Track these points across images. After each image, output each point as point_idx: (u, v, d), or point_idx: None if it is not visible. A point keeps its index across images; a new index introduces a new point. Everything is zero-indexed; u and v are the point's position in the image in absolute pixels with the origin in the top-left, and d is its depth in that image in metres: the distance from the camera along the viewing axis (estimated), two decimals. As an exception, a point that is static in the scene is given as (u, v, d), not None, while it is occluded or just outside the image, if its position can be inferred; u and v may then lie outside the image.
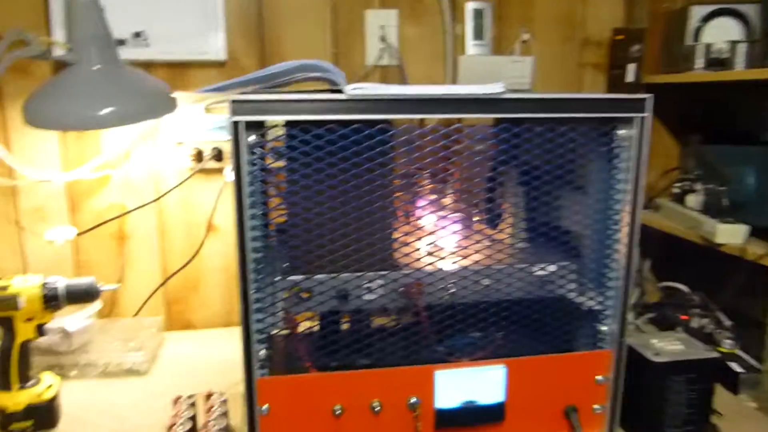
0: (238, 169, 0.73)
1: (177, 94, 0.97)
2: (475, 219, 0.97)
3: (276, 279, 0.81)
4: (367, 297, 0.85)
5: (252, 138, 0.73)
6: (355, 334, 0.87)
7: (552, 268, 0.91)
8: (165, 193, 1.27)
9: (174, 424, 0.87)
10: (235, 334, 1.31)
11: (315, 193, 0.80)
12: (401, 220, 0.91)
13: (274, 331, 0.81)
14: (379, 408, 0.83)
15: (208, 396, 0.96)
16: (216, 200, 1.29)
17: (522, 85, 1.31)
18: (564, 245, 0.94)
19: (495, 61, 1.31)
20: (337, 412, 0.82)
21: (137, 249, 1.30)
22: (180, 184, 1.27)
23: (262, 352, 0.80)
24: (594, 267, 0.91)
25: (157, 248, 1.31)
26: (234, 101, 0.71)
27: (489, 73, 1.31)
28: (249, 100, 0.71)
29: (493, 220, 1.00)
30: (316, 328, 0.87)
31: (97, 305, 1.19)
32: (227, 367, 1.16)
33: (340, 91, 0.73)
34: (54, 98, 0.96)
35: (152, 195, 1.28)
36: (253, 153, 0.74)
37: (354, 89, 0.72)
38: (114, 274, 1.29)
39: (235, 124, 0.72)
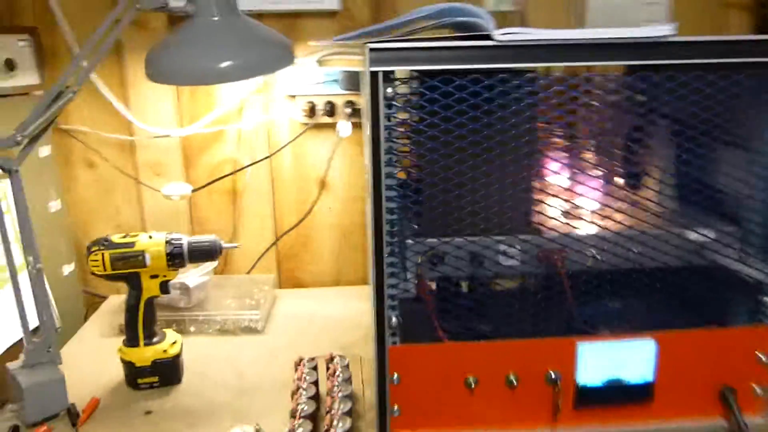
0: (376, 123, 0.67)
1: (317, 43, 0.89)
2: (618, 178, 0.88)
3: (409, 242, 0.77)
4: (504, 262, 0.79)
5: (390, 90, 0.68)
6: (490, 302, 0.82)
7: (709, 234, 0.81)
8: (278, 150, 1.25)
9: (298, 389, 0.86)
10: (345, 293, 1.31)
11: (454, 150, 0.74)
12: (541, 181, 0.84)
13: (407, 297, 0.77)
14: (515, 381, 0.78)
15: (330, 359, 0.93)
16: (330, 156, 1.25)
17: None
18: (723, 208, 0.84)
19: (626, 2, 1.18)
20: (471, 384, 0.77)
21: (250, 205, 1.29)
22: (293, 140, 1.24)
23: (394, 320, 0.76)
24: (759, 233, 0.80)
25: (269, 204, 1.29)
26: (372, 50, 0.65)
27: (619, 17, 1.18)
28: (389, 48, 0.65)
29: (638, 179, 0.90)
30: (450, 295, 0.82)
31: (214, 262, 1.19)
32: (341, 328, 1.14)
33: (486, 37, 0.66)
34: (173, 52, 0.93)
35: (265, 150, 1.26)
36: (390, 106, 0.69)
37: (504, 34, 0.65)
38: (228, 230, 1.30)
39: (374, 74, 0.66)
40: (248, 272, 1.30)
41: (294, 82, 1.21)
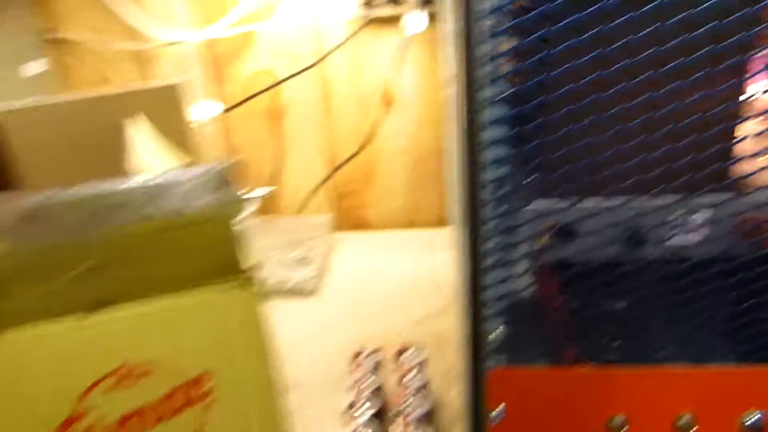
0: (467, 17, 0.36)
1: None
2: None
3: (524, 208, 0.47)
4: (679, 240, 0.48)
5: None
6: (652, 306, 0.52)
7: None
8: (325, 55, 0.94)
9: (354, 404, 0.61)
10: (421, 239, 1.03)
11: (608, 55, 0.42)
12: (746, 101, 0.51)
13: (517, 299, 0.48)
14: (690, 425, 0.49)
15: (400, 353, 0.68)
16: (395, 62, 0.94)
17: None
18: None
19: None
20: (617, 426, 0.49)
21: (295, 129, 1.01)
22: (345, 41, 0.92)
23: (498, 332, 0.47)
24: None
25: (320, 127, 1.01)
26: None
27: None
28: None
29: None
30: (589, 297, 0.52)
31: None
32: (416, 292, 0.88)
33: None
34: None
35: (311, 57, 0.96)
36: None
37: None
38: (271, 160, 1.03)
39: None
40: (298, 213, 1.04)
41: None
